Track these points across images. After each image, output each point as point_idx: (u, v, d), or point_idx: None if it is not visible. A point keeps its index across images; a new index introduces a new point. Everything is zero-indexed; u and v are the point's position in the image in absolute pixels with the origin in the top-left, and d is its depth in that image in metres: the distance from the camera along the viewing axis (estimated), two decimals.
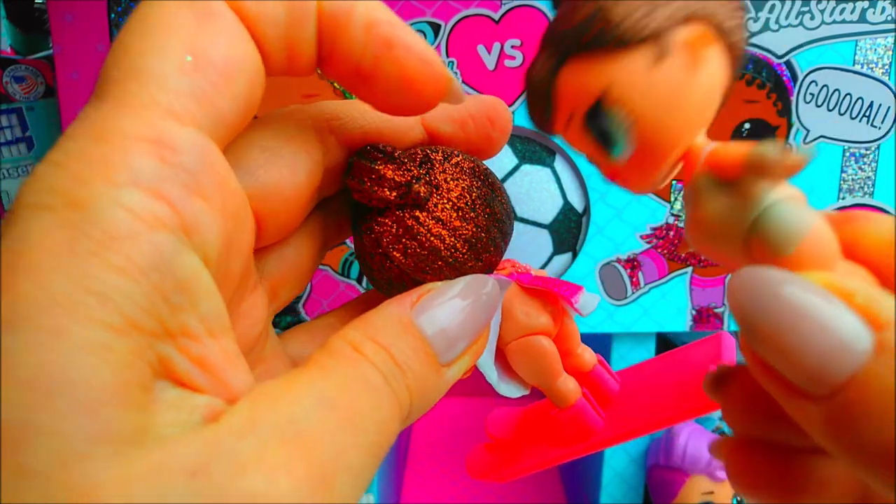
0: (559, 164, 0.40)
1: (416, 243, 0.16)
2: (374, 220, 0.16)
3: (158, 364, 0.11)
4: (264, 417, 0.11)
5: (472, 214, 0.16)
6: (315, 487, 0.11)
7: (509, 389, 0.20)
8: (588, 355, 0.21)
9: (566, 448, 0.21)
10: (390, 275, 0.16)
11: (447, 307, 0.15)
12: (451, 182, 0.16)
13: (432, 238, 0.16)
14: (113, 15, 0.38)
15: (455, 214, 0.16)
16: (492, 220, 0.16)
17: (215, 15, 0.12)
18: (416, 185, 0.15)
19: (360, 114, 0.16)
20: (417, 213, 0.16)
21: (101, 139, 0.10)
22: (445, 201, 0.16)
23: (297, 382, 0.12)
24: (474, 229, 0.16)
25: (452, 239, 0.16)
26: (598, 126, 0.14)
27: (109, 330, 0.10)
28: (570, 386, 0.20)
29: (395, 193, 0.15)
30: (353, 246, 0.41)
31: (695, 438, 0.42)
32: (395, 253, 0.16)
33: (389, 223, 0.16)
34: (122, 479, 0.09)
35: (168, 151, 0.11)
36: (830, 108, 0.40)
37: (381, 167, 0.15)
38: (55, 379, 0.09)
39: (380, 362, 0.13)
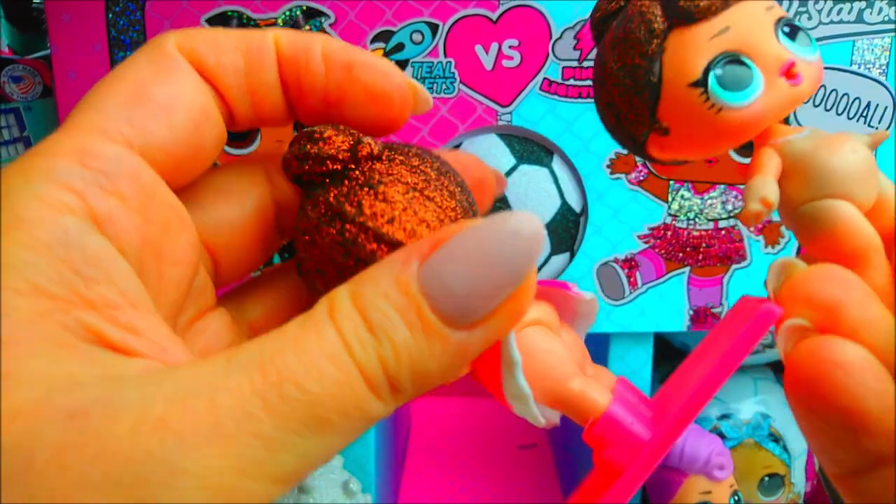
0: (557, 164, 0.40)
1: (379, 196, 0.14)
2: (326, 190, 0.14)
3: (83, 330, 0.11)
4: (172, 373, 0.11)
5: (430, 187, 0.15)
6: (196, 445, 0.10)
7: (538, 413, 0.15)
8: (605, 377, 0.17)
9: (609, 481, 0.15)
10: (342, 242, 0.14)
11: (457, 256, 0.12)
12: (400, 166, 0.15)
13: (395, 191, 0.14)
14: (111, 15, 0.38)
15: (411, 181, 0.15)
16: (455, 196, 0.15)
17: (169, 62, 0.13)
18: (367, 139, 0.15)
19: None
20: (377, 166, 0.14)
21: (33, 153, 0.12)
22: (397, 177, 0.15)
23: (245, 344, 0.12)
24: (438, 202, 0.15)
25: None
26: (730, 71, 0.15)
27: (13, 293, 0.11)
28: (591, 388, 0.15)
29: (346, 144, 0.14)
30: None
31: (692, 439, 0.42)
32: (348, 207, 0.14)
33: (344, 186, 0.14)
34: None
35: (89, 158, 0.12)
36: (828, 107, 0.40)
37: (323, 130, 0.15)
38: None
39: (347, 328, 0.12)
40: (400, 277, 0.12)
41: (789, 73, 0.15)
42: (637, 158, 0.40)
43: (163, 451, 0.10)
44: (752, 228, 0.41)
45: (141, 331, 0.12)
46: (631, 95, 0.16)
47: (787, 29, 0.16)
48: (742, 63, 0.15)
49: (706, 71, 0.15)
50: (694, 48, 0.15)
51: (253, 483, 0.11)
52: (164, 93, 0.13)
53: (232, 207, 0.15)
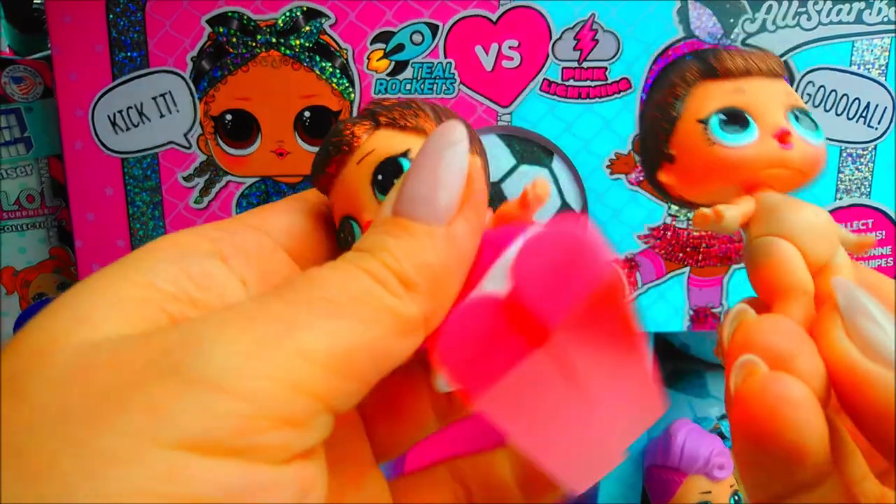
0: (557, 164, 0.40)
1: None
2: None
3: (183, 319, 0.14)
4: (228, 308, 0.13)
5: None
6: (222, 324, 0.12)
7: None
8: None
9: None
10: None
11: (413, 175, 0.15)
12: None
13: None
14: (111, 16, 0.38)
15: None
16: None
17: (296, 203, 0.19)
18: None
19: None
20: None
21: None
22: None
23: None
24: None
25: None
26: (730, 115, 0.20)
27: (126, 281, 0.14)
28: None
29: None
30: None
31: (692, 438, 0.42)
32: None
33: None
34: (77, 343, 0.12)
35: (224, 228, 0.16)
36: (828, 108, 0.40)
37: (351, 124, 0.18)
38: (77, 297, 0.13)
39: (345, 255, 0.14)
40: (376, 219, 0.15)
41: (781, 137, 0.19)
42: (637, 158, 0.40)
43: (192, 335, 0.12)
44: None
45: None
46: (656, 125, 0.20)
47: (797, 112, 0.19)
48: (744, 116, 0.19)
49: (713, 113, 0.19)
50: (711, 96, 0.19)
51: (281, 353, 0.12)
52: (288, 209, 0.18)
53: (296, 220, 0.18)
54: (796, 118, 0.19)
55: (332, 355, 0.12)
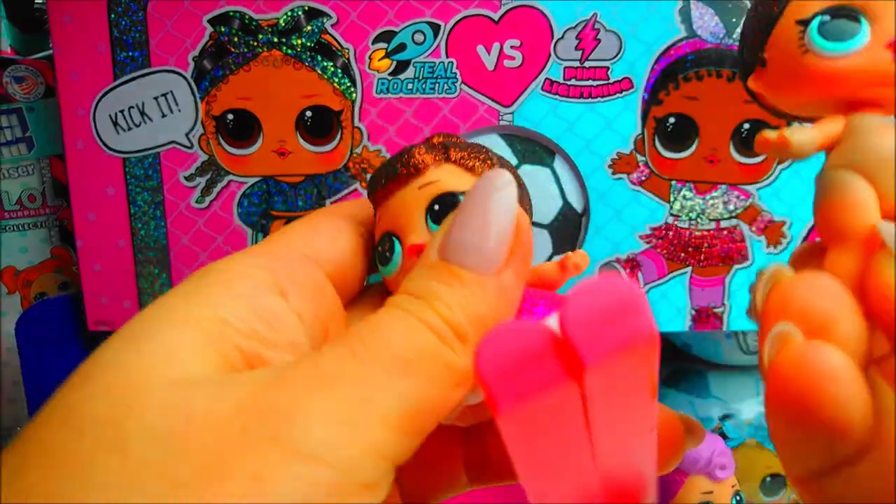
0: (559, 164, 0.40)
1: None
2: None
3: (253, 357, 0.14)
4: (294, 369, 0.14)
5: None
6: (307, 389, 0.13)
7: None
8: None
9: None
10: None
11: (461, 223, 0.15)
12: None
13: None
14: (113, 15, 0.38)
15: None
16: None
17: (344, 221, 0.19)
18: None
19: None
20: None
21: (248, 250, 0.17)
22: None
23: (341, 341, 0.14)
24: None
25: None
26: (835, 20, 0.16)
27: (200, 317, 0.14)
28: None
29: (430, 158, 0.18)
30: None
31: None
32: None
33: None
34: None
35: (281, 257, 0.17)
36: None
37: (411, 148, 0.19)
38: (154, 331, 0.14)
39: (400, 301, 0.15)
40: (424, 260, 0.15)
41: None
42: (639, 158, 0.40)
43: (284, 402, 0.13)
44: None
45: None
46: (755, 22, 0.17)
47: None
48: (853, 16, 0.16)
49: (817, 12, 0.16)
50: None
51: (366, 419, 0.13)
52: (334, 234, 0.18)
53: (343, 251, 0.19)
54: None
55: (405, 416, 0.13)
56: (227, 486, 0.11)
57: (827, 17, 0.16)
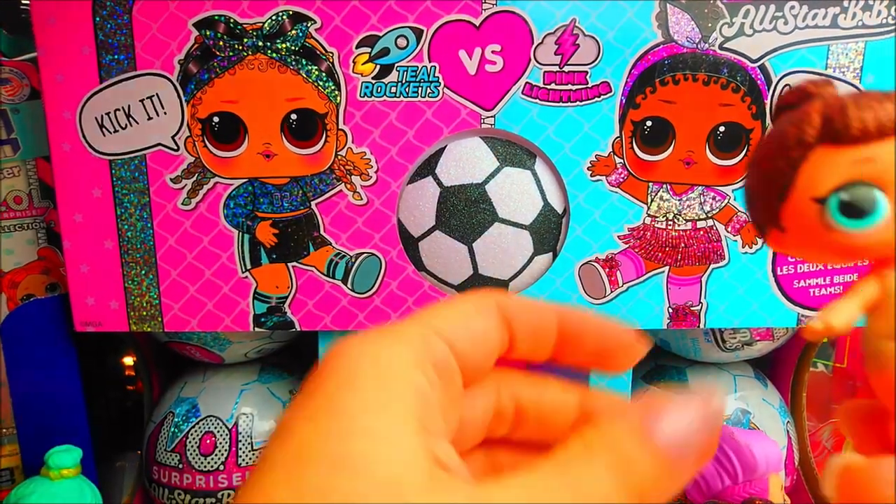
0: (539, 166, 0.41)
1: None
2: None
3: (435, 457, 0.15)
4: (496, 483, 0.14)
5: None
6: None
7: None
8: None
9: None
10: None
11: (680, 421, 0.16)
12: None
13: None
14: (98, 18, 0.39)
15: None
16: None
17: (487, 308, 0.18)
18: None
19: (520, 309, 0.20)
20: None
21: (399, 331, 0.17)
22: None
23: (538, 473, 0.15)
24: None
25: None
26: (854, 199, 0.16)
27: (404, 425, 0.15)
28: None
29: None
30: (337, 247, 0.42)
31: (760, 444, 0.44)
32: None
33: None
34: None
35: (429, 345, 0.17)
36: None
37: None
38: (363, 462, 0.14)
39: (613, 462, 0.15)
40: (632, 425, 0.16)
41: None
42: (617, 160, 0.41)
43: None
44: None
45: (450, 456, 0.16)
46: (766, 188, 0.17)
47: None
48: (870, 198, 0.16)
49: (833, 192, 0.16)
50: (831, 167, 0.16)
51: None
52: (476, 325, 0.18)
53: (481, 351, 0.18)
54: None
55: None
56: None
57: (845, 196, 0.16)
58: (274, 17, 0.39)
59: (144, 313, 0.42)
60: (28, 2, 0.41)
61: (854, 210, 0.16)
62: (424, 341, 0.17)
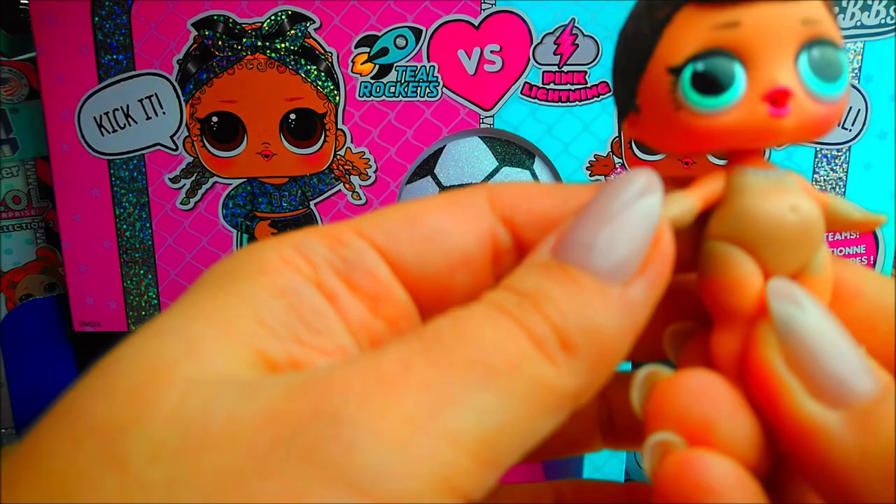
0: (538, 166, 0.41)
1: None
2: None
3: (290, 360, 0.12)
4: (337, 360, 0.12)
5: None
6: (364, 396, 0.10)
7: None
8: None
9: None
10: None
11: (585, 218, 0.12)
12: None
13: None
14: (96, 18, 0.39)
15: None
16: None
17: (464, 201, 0.14)
18: None
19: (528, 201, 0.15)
20: None
21: (295, 231, 0.14)
22: None
23: (409, 338, 0.12)
24: None
25: None
26: (706, 70, 0.13)
27: (237, 317, 0.12)
28: None
29: None
30: None
31: None
32: None
33: None
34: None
35: (336, 243, 0.13)
36: None
37: None
38: (178, 325, 0.12)
39: (498, 298, 0.12)
40: (532, 259, 0.13)
41: (774, 99, 0.13)
42: (616, 160, 0.41)
43: (329, 405, 0.10)
44: None
45: None
46: (627, 58, 0.15)
47: (816, 49, 0.13)
48: (727, 69, 0.13)
49: (689, 59, 0.13)
50: (693, 31, 0.13)
51: (430, 439, 0.10)
52: (434, 224, 0.14)
53: (438, 255, 0.14)
54: (811, 62, 0.13)
55: (481, 440, 0.10)
56: None
57: (700, 66, 0.13)
58: (273, 17, 0.39)
59: (143, 313, 0.42)
60: (27, 1, 0.41)
61: (706, 84, 0.13)
62: (331, 242, 0.13)
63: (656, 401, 0.13)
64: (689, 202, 0.14)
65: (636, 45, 0.14)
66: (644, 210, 0.12)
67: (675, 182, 0.14)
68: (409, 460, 0.10)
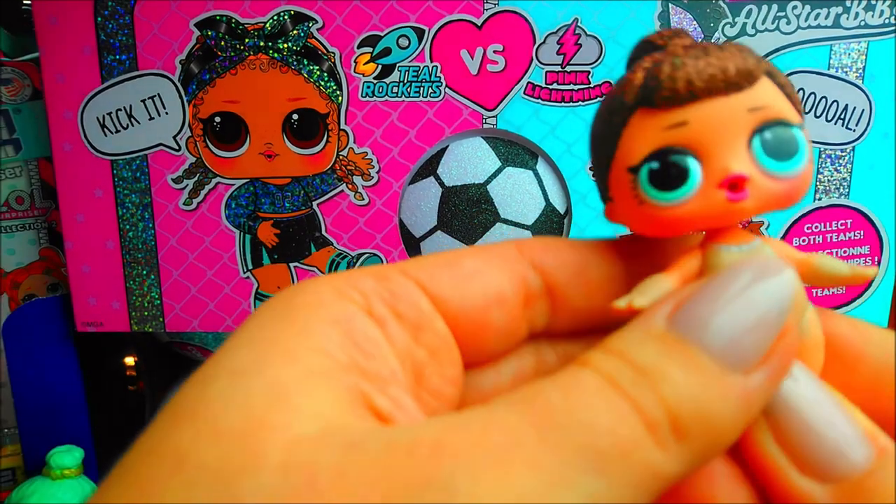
0: (541, 166, 0.41)
1: None
2: None
3: (359, 394, 0.12)
4: (442, 416, 0.11)
5: None
6: (472, 467, 0.10)
7: None
8: None
9: None
10: None
11: (711, 293, 0.12)
12: None
13: None
14: (99, 18, 0.39)
15: None
16: None
17: (500, 250, 0.15)
18: None
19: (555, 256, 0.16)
20: None
21: (341, 272, 0.14)
22: None
23: (504, 405, 0.11)
24: None
25: None
26: (661, 169, 0.14)
27: (307, 350, 0.12)
28: None
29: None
30: (338, 247, 0.42)
31: None
32: None
33: None
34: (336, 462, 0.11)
35: (382, 279, 0.14)
36: (807, 110, 0.41)
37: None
38: (259, 364, 0.12)
39: (610, 368, 0.11)
40: (644, 325, 0.12)
41: (731, 186, 0.14)
42: None
43: (440, 473, 0.10)
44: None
45: (406, 407, 0.13)
46: (595, 156, 0.16)
47: (768, 133, 0.14)
48: (680, 166, 0.14)
49: (645, 159, 0.14)
50: (647, 132, 0.14)
51: None
52: (471, 266, 0.15)
53: (475, 293, 0.15)
54: (764, 144, 0.14)
55: None
56: None
57: (655, 165, 0.14)
58: (275, 17, 0.39)
59: (146, 313, 0.42)
60: (30, 2, 0.41)
61: (662, 180, 0.14)
62: (378, 278, 0.14)
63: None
64: (668, 284, 0.14)
65: (601, 146, 0.15)
66: (777, 296, 0.12)
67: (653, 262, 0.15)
68: None
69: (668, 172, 0.14)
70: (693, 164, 0.14)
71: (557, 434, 0.11)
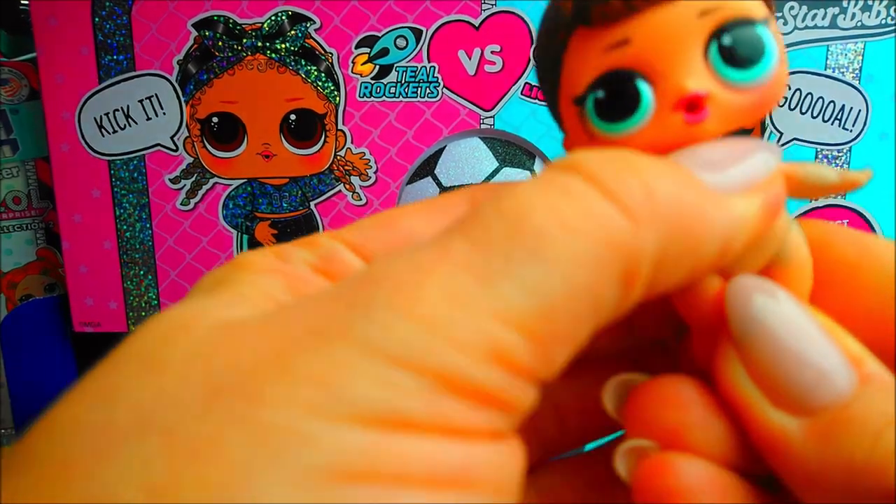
0: (538, 167, 0.41)
1: None
2: None
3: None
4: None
5: None
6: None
7: None
8: None
9: None
10: None
11: (705, 148, 0.12)
12: None
13: None
14: (97, 18, 0.39)
15: None
16: None
17: (445, 203, 0.14)
18: None
19: None
20: None
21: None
22: None
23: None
24: None
25: None
26: (607, 97, 0.13)
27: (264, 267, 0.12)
28: None
29: None
30: None
31: None
32: None
33: None
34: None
35: (313, 245, 0.13)
36: (803, 111, 0.41)
37: None
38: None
39: (554, 168, 0.11)
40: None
41: (688, 106, 0.12)
42: None
43: (363, 298, 0.10)
44: None
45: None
46: (543, 89, 0.14)
47: (726, 37, 0.12)
48: (630, 88, 0.12)
49: (589, 88, 0.12)
50: (587, 57, 0.12)
51: (473, 317, 0.09)
52: (408, 225, 0.13)
53: None
54: (722, 52, 0.12)
55: (532, 315, 0.09)
56: (288, 391, 0.09)
57: (600, 93, 0.12)
58: (273, 18, 0.39)
59: (143, 314, 0.42)
60: (27, 2, 0.41)
61: (610, 110, 0.12)
62: (306, 245, 0.13)
63: (631, 407, 0.13)
64: None
65: (545, 77, 0.14)
66: (763, 160, 0.12)
67: None
68: (452, 336, 0.09)
69: (616, 100, 0.12)
70: (643, 88, 0.12)
71: (485, 231, 0.10)
